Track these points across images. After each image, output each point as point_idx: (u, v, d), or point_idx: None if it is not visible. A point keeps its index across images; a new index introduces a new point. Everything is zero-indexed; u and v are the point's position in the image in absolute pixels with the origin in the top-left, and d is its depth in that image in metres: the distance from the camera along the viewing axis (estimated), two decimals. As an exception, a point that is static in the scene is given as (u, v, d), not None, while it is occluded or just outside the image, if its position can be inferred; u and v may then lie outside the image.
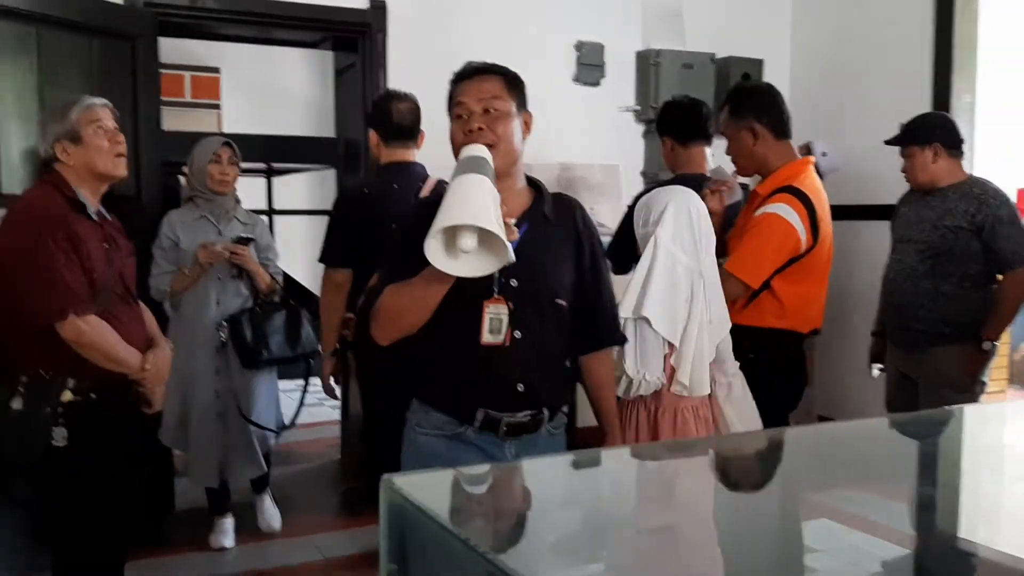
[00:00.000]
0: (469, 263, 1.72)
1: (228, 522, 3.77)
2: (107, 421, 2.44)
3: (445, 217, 1.67)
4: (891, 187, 3.61)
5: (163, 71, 5.11)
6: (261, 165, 8.00)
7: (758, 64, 5.03)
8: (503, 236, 1.68)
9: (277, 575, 3.50)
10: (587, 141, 4.75)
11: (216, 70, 8.38)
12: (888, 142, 3.40)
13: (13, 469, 2.36)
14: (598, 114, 4.84)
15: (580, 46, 4.75)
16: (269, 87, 8.14)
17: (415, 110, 3.17)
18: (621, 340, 2.26)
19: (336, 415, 5.59)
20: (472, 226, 1.67)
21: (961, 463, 1.90)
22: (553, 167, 4.49)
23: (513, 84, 2.03)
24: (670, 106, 3.44)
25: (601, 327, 2.16)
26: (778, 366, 2.72)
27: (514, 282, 1.94)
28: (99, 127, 2.42)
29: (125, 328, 2.43)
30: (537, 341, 1.99)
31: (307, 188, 8.56)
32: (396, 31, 4.33)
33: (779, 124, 2.78)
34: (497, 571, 0.85)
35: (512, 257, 1.72)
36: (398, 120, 3.13)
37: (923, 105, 4.23)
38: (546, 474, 1.47)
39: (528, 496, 1.36)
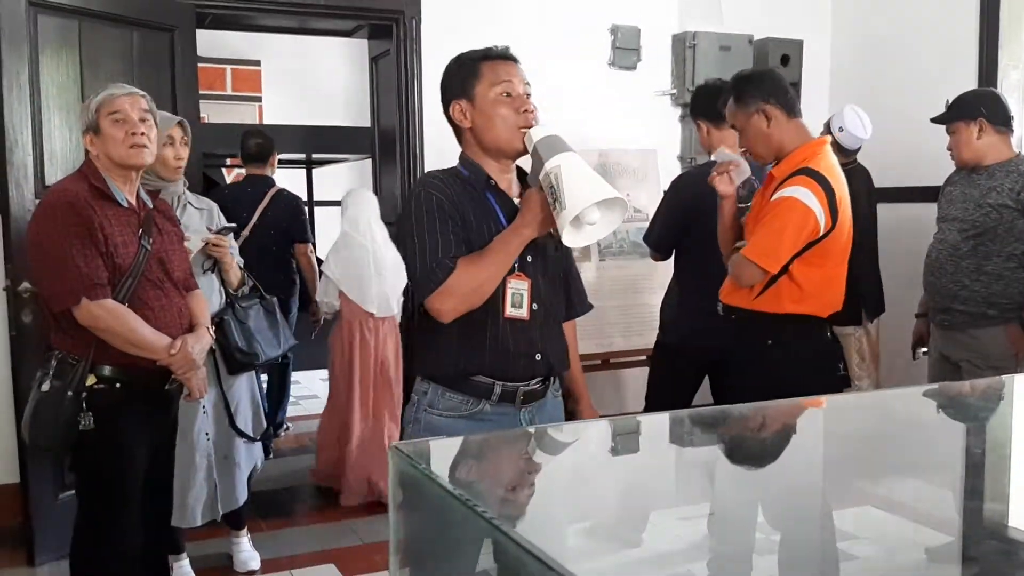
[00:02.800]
0: (595, 231, 1.90)
1: (186, 564, 3.31)
2: (133, 409, 2.46)
3: (582, 198, 1.82)
4: (937, 169, 3.53)
5: (205, 65, 5.20)
6: (301, 156, 8.08)
7: (798, 45, 4.96)
8: (623, 198, 1.88)
9: (316, 559, 3.54)
10: (623, 126, 4.72)
11: (257, 63, 8.47)
12: (935, 120, 3.32)
13: (44, 450, 2.40)
14: (634, 98, 4.80)
15: (615, 30, 4.71)
16: (308, 78, 8.20)
17: (266, 143, 4.82)
18: (588, 307, 2.36)
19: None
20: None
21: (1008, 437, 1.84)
22: (592, 154, 4.46)
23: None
24: (702, 90, 3.46)
25: (576, 296, 2.31)
26: (799, 353, 2.66)
27: (529, 258, 2.05)
28: (116, 118, 2.42)
29: (155, 315, 2.45)
30: (551, 312, 2.13)
31: (346, 178, 8.63)
32: (430, 16, 4.34)
33: (789, 103, 2.70)
34: (503, 536, 0.86)
35: (627, 207, 1.91)
36: (256, 150, 4.77)
37: (969, 83, 4.13)
38: (558, 442, 1.47)
39: (535, 463, 1.36)
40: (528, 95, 2.04)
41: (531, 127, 1.99)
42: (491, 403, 2.06)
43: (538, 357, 2.08)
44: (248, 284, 3.30)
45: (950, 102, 3.30)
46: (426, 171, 4.41)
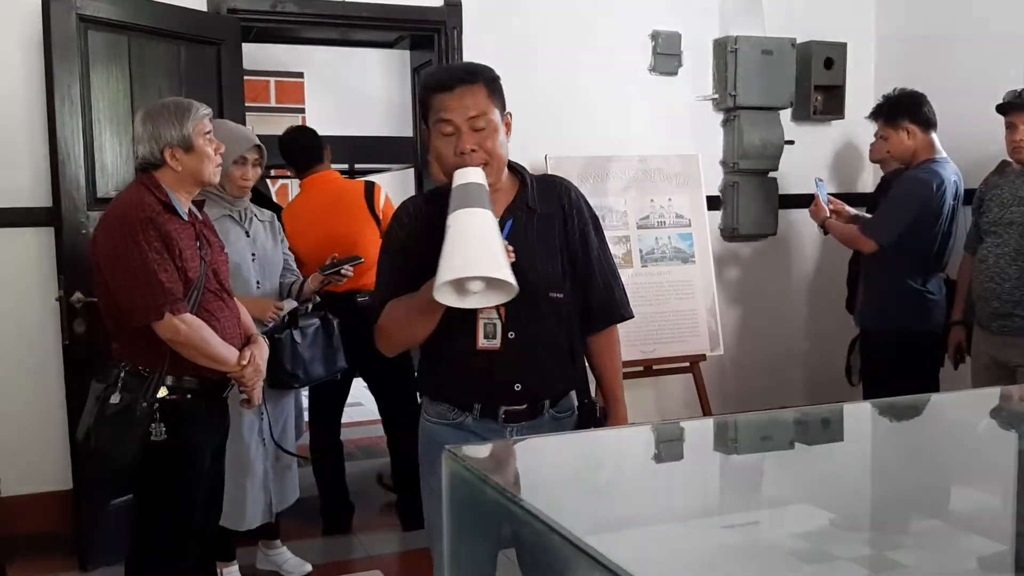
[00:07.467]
0: (479, 298, 1.78)
1: (236, 571, 3.34)
2: (203, 418, 2.51)
3: (455, 266, 1.71)
4: (980, 172, 3.46)
5: (249, 77, 5.30)
6: (344, 167, 8.16)
7: (841, 48, 4.91)
8: (512, 281, 1.72)
9: (360, 566, 3.56)
10: (665, 131, 4.70)
11: (300, 75, 8.58)
12: (1000, 108, 3.21)
13: (113, 461, 2.42)
14: (676, 104, 4.78)
15: (656, 35, 4.69)
16: (351, 89, 8.28)
17: None
18: (623, 316, 2.17)
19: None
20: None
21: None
22: (633, 159, 4.46)
23: (493, 88, 1.98)
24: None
25: (598, 307, 2.13)
26: None
27: None
28: (209, 138, 2.49)
29: (221, 325, 2.48)
30: (533, 339, 2.00)
31: (389, 188, 8.67)
32: (471, 27, 4.35)
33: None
34: (556, 535, 0.86)
35: (516, 288, 1.75)
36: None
37: (1016, 84, 4.05)
38: (598, 446, 1.46)
39: (584, 466, 1.36)
40: (477, 128, 1.91)
41: (463, 168, 1.89)
42: (473, 417, 2.02)
43: (517, 388, 2.00)
44: (315, 301, 3.36)
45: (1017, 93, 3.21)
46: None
